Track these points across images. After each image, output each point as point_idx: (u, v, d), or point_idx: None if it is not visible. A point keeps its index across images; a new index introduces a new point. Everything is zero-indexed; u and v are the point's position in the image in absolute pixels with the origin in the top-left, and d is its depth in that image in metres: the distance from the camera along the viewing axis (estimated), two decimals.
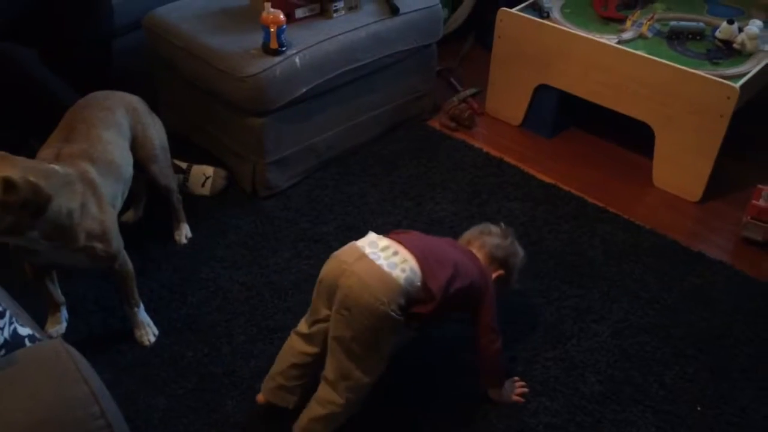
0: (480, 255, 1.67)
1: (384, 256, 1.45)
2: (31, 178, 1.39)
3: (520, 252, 1.74)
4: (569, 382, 1.74)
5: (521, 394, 1.69)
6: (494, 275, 1.66)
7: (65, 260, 1.63)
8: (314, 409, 1.49)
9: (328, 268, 1.50)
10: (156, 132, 1.96)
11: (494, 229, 1.74)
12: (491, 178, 2.44)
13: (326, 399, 1.47)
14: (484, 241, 1.70)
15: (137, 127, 1.89)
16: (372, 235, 1.55)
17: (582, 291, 2.00)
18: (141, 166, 1.92)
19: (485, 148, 2.59)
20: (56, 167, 1.52)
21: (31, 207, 1.40)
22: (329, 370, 1.47)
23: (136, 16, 2.43)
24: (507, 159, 2.54)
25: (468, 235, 1.75)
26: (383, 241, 1.50)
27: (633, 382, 1.75)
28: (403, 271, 1.43)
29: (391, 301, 1.40)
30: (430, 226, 2.17)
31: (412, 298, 1.44)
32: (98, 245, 1.61)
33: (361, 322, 1.40)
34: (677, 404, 1.70)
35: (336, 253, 1.53)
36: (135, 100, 1.94)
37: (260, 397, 1.63)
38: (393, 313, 1.41)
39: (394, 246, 1.48)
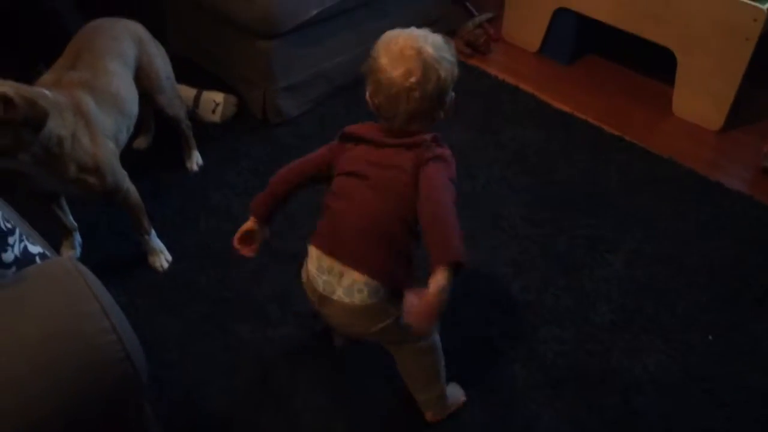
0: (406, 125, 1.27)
1: (336, 282, 1.25)
2: (26, 95, 1.37)
3: (442, 53, 1.25)
4: (580, 311, 1.74)
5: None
6: (430, 138, 1.26)
7: (61, 189, 1.62)
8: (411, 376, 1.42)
9: (308, 291, 1.35)
10: (162, 62, 1.92)
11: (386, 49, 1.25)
12: (506, 106, 2.38)
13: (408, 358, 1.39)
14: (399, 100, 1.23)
15: (143, 57, 1.84)
16: (313, 254, 1.30)
17: (595, 220, 1.97)
18: (147, 96, 1.88)
19: (500, 75, 2.52)
20: (45, 91, 1.49)
21: (31, 122, 1.38)
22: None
23: None
24: (523, 86, 2.47)
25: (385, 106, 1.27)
26: (325, 261, 1.27)
27: (644, 311, 1.74)
28: (360, 291, 1.24)
29: (376, 319, 1.28)
30: None
31: (389, 292, 1.26)
32: (90, 178, 1.57)
33: (371, 336, 1.33)
34: (688, 333, 1.70)
35: (303, 280, 1.36)
36: (140, 29, 1.88)
37: None
38: (388, 319, 1.28)
39: (337, 266, 1.25)
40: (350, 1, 2.24)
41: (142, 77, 1.84)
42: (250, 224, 1.41)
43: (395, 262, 1.26)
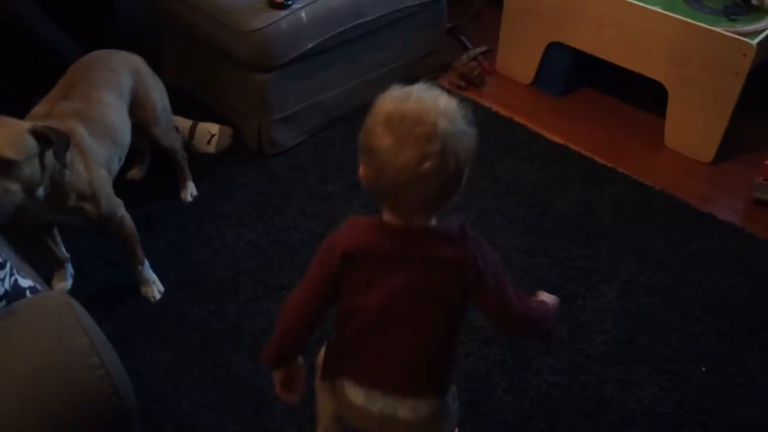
0: (432, 221, 1.04)
1: (398, 405, 1.12)
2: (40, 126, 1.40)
3: (459, 126, 0.97)
4: (574, 342, 1.73)
5: None
6: (458, 227, 1.05)
7: (58, 219, 1.62)
8: None
9: (353, 419, 1.20)
10: (158, 94, 1.94)
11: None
12: (500, 138, 2.40)
13: None
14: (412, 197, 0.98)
15: (139, 89, 1.86)
16: (358, 390, 1.15)
17: (589, 251, 1.98)
18: (143, 128, 1.90)
19: (494, 107, 2.55)
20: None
21: (59, 150, 1.41)
22: None
23: None
24: (516, 118, 2.50)
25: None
26: (377, 394, 1.13)
27: (638, 342, 1.74)
28: (428, 405, 1.14)
29: (443, 420, 1.18)
30: None
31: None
32: (88, 206, 1.59)
33: None
34: (682, 365, 1.69)
35: (336, 410, 1.22)
36: (138, 61, 1.91)
37: None
38: (451, 418, 1.21)
39: (394, 397, 1.13)
40: (346, 34, 2.27)
41: (137, 109, 1.86)
42: (278, 375, 1.18)
43: (451, 368, 1.16)
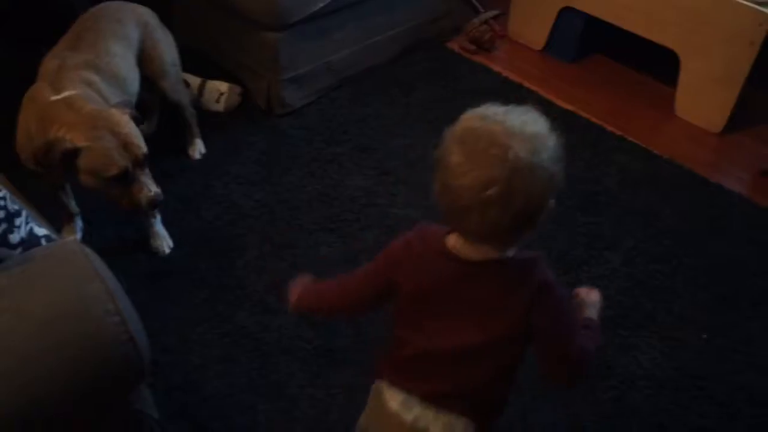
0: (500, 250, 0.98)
1: (432, 418, 1.04)
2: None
3: (540, 153, 0.91)
4: None
5: None
6: (528, 258, 0.99)
7: None
8: None
9: (384, 424, 1.11)
10: (167, 47, 1.93)
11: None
12: (510, 103, 2.38)
13: None
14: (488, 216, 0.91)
15: (147, 42, 1.86)
16: (395, 392, 1.07)
17: (595, 218, 1.99)
18: (151, 81, 1.90)
19: (505, 72, 2.53)
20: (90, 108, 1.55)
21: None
22: None
23: None
24: (527, 84, 2.48)
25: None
26: (415, 401, 1.05)
27: (642, 308, 1.76)
28: (463, 428, 1.04)
29: None
30: None
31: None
32: None
33: None
34: (684, 331, 1.71)
35: (371, 408, 1.15)
36: (147, 14, 1.90)
37: None
38: None
39: (432, 408, 1.04)
40: None
41: (146, 61, 1.86)
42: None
43: (495, 401, 1.08)
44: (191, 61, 2.20)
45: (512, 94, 2.43)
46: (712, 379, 1.62)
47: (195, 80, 2.29)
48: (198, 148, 2.14)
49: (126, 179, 1.55)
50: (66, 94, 1.55)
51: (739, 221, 2.00)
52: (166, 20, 2.02)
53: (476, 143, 0.88)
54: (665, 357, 1.65)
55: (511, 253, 0.97)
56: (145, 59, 1.86)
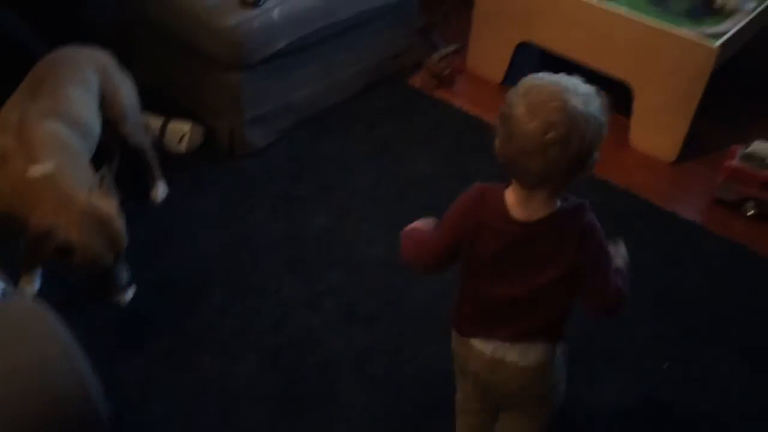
0: (548, 201, 1.13)
1: (509, 347, 1.21)
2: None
3: (588, 102, 1.07)
4: None
5: None
6: (576, 206, 1.15)
7: None
8: None
9: (467, 360, 1.29)
10: (126, 91, 1.93)
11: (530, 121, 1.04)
12: (471, 137, 2.43)
13: None
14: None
15: (107, 86, 1.86)
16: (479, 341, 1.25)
17: None
18: (111, 125, 1.89)
19: (465, 107, 2.58)
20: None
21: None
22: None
23: None
24: (487, 117, 2.52)
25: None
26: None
27: (601, 339, 1.78)
28: (536, 351, 1.22)
29: (548, 379, 1.26)
30: (409, 185, 2.17)
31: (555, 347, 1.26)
32: None
33: (528, 401, 1.32)
34: (645, 361, 1.74)
35: (455, 346, 1.32)
36: (105, 58, 1.90)
37: None
38: (556, 381, 1.29)
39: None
40: (316, 34, 2.27)
41: (106, 106, 1.86)
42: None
43: (563, 320, 1.24)
44: (153, 100, 2.20)
45: (473, 127, 2.47)
46: (675, 407, 1.64)
47: (157, 121, 2.29)
48: (160, 191, 2.12)
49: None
50: (44, 170, 1.55)
51: (693, 250, 2.05)
52: (128, 60, 2.02)
53: (538, 96, 1.04)
54: (628, 388, 1.68)
55: (558, 203, 1.12)
56: (105, 104, 1.85)
